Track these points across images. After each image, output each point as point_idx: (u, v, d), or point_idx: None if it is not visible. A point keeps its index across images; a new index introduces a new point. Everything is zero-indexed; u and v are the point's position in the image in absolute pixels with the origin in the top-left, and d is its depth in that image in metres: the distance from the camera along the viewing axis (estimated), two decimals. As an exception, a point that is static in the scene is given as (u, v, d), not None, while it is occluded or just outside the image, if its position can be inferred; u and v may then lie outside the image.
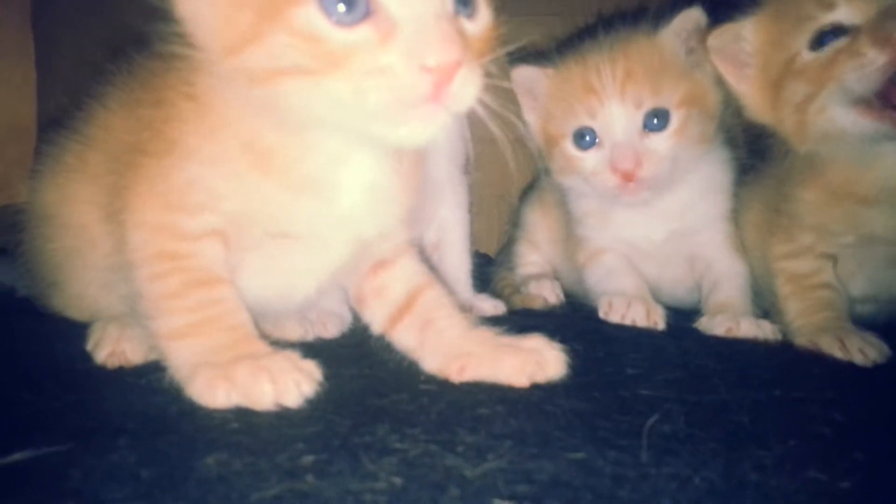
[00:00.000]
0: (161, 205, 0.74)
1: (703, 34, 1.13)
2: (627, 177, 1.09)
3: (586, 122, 1.14)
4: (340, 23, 0.62)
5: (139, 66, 0.85)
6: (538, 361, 0.77)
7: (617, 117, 1.11)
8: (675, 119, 1.11)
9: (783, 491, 0.55)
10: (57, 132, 0.94)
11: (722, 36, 1.07)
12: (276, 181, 0.74)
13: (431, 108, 0.64)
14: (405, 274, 0.88)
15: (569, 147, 1.17)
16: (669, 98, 1.10)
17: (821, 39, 0.95)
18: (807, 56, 0.96)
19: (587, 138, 1.14)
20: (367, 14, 0.62)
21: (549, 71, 1.21)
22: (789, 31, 0.99)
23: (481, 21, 0.71)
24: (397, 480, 0.54)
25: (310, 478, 0.54)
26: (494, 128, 0.70)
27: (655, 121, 1.10)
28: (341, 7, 0.61)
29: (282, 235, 0.77)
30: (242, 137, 0.72)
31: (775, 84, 1.02)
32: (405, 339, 0.85)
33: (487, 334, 0.82)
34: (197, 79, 0.73)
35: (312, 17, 0.62)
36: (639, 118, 1.10)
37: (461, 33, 0.65)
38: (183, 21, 0.69)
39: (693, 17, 1.12)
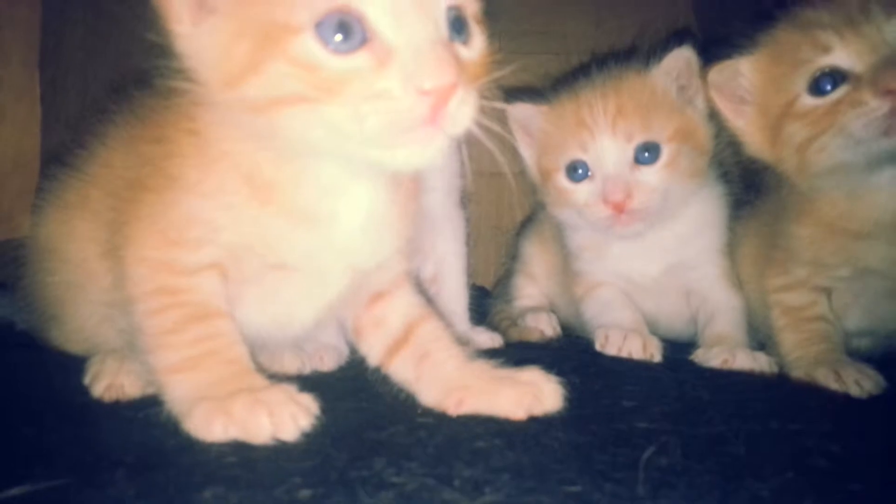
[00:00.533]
0: (161, 241, 0.74)
1: (693, 72, 1.16)
2: (618, 208, 1.11)
3: (578, 155, 1.16)
4: (337, 51, 0.63)
5: (139, 104, 0.86)
6: (535, 394, 0.77)
7: (608, 150, 1.13)
8: (666, 153, 1.13)
9: (780, 523, 0.55)
10: (59, 168, 0.96)
11: (722, 72, 1.09)
12: (274, 212, 0.74)
13: (429, 130, 0.65)
14: (402, 306, 0.88)
15: (562, 180, 1.19)
16: (660, 132, 1.12)
17: (818, 82, 0.96)
18: (807, 101, 0.98)
19: (580, 171, 1.16)
20: (364, 41, 0.63)
21: (544, 108, 1.23)
22: (787, 73, 1.00)
23: (476, 47, 0.73)
24: (394, 514, 0.54)
25: (307, 512, 0.54)
26: (492, 146, 0.71)
27: (646, 154, 1.12)
28: (338, 36, 0.63)
29: (280, 267, 0.78)
30: (242, 170, 0.73)
31: (774, 123, 1.03)
32: (402, 371, 0.85)
33: (484, 367, 0.82)
34: (197, 113, 0.74)
35: (309, 46, 0.63)
36: (630, 151, 1.12)
37: (456, 58, 0.66)
38: (183, 57, 0.70)
39: (684, 55, 1.15)
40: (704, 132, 1.17)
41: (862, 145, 0.93)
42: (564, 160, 1.17)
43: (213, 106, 0.72)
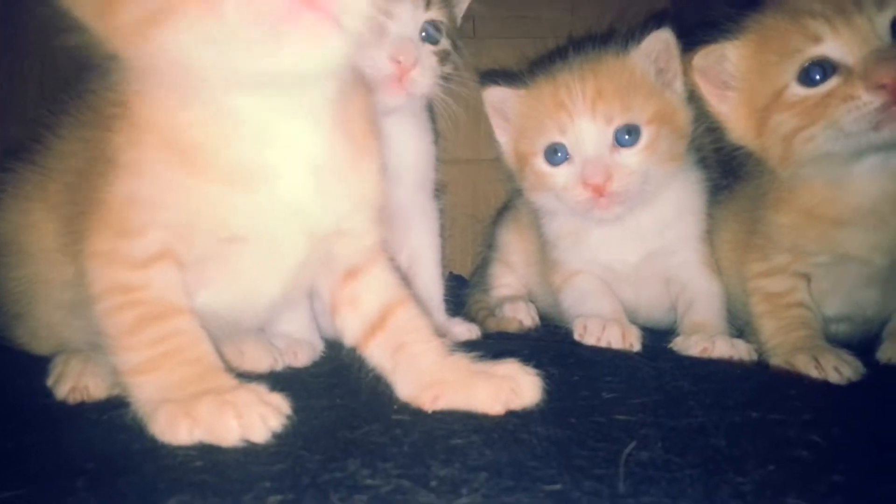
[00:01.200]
0: (109, 232, 0.72)
1: (672, 55, 1.14)
2: (598, 191, 1.09)
3: (557, 138, 1.14)
4: None
5: (87, 91, 0.83)
6: (513, 388, 0.76)
7: (587, 133, 1.11)
8: (646, 135, 1.11)
9: (763, 519, 0.54)
10: (17, 159, 0.93)
11: (707, 56, 1.08)
12: (208, 178, 0.70)
13: (308, 17, 0.60)
14: (378, 285, 0.86)
15: (540, 164, 1.17)
16: (640, 115, 1.11)
17: (808, 72, 0.95)
18: (797, 90, 0.96)
19: (558, 154, 1.14)
20: None
21: (520, 91, 1.21)
22: (776, 62, 0.99)
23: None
24: (368, 519, 0.52)
25: (277, 518, 0.52)
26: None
27: (626, 136, 1.11)
28: None
29: (231, 240, 0.74)
30: (166, 136, 0.70)
31: (761, 111, 1.02)
32: (378, 357, 0.83)
33: (461, 361, 0.80)
34: (121, 87, 0.72)
35: None
36: (609, 134, 1.11)
37: None
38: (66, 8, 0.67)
39: (663, 38, 1.14)
40: (683, 115, 1.15)
41: (851, 138, 0.92)
42: (543, 143, 1.15)
43: (125, 70, 0.70)
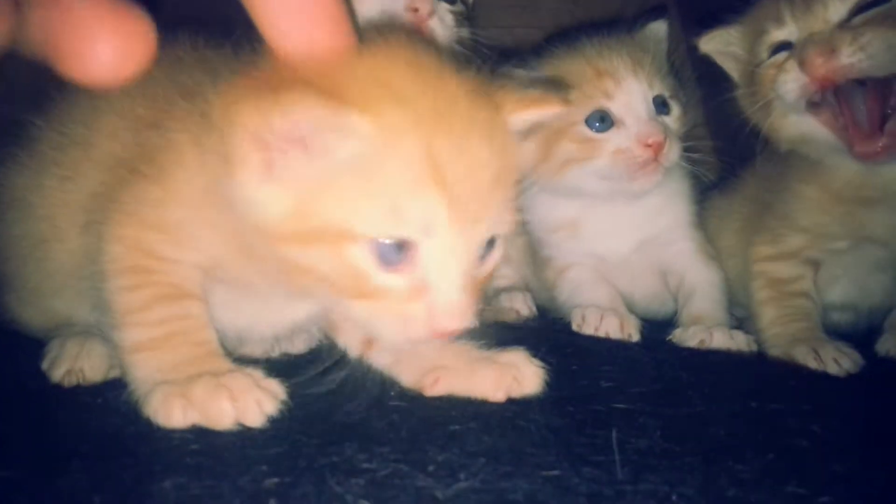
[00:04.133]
0: (144, 225, 0.72)
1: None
2: (657, 150, 1.07)
3: (602, 103, 1.10)
4: (387, 265, 0.65)
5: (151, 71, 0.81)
6: (515, 376, 0.75)
7: (636, 94, 1.10)
8: (675, 107, 1.13)
9: (762, 506, 0.53)
10: (34, 115, 0.90)
11: (711, 41, 1.11)
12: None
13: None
14: None
15: (584, 130, 1.12)
16: (667, 88, 1.13)
17: (773, 55, 1.00)
18: (764, 67, 1.01)
19: (603, 123, 1.11)
20: (403, 263, 0.65)
21: (536, 73, 1.16)
22: (756, 42, 1.03)
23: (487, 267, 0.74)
24: (365, 503, 0.51)
25: (273, 501, 0.51)
26: None
27: (662, 106, 1.12)
28: (390, 255, 0.64)
29: (247, 287, 0.76)
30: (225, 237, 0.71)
31: (750, 89, 1.05)
32: (381, 357, 0.83)
33: (464, 348, 0.80)
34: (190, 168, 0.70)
35: (364, 255, 0.64)
36: (650, 99, 1.11)
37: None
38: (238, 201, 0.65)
39: (664, 27, 1.17)
40: (682, 100, 1.17)
41: (794, 115, 0.96)
42: (584, 112, 1.11)
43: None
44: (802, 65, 0.90)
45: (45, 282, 0.89)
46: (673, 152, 1.10)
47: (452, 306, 0.66)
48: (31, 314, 0.94)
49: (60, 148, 0.86)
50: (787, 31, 0.97)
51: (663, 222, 1.20)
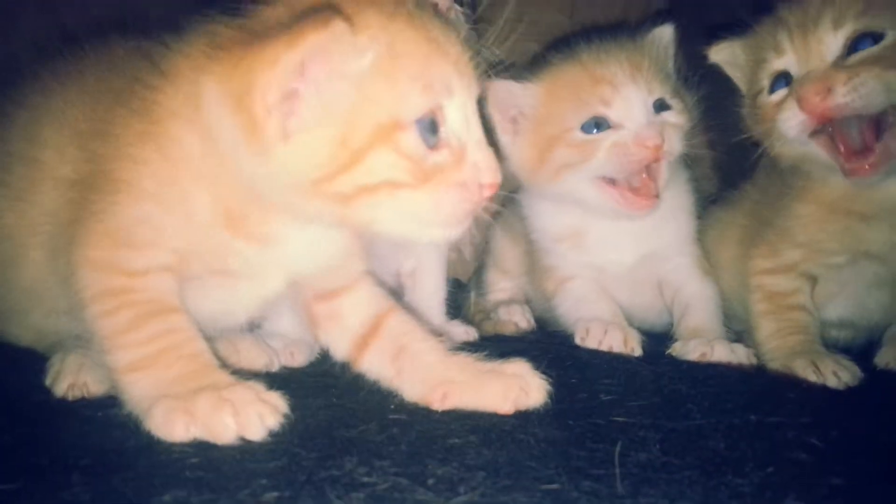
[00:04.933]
0: (107, 242, 0.72)
1: (672, 52, 1.18)
2: (656, 151, 1.07)
3: (599, 110, 1.10)
4: (430, 145, 0.72)
5: (87, 80, 0.84)
6: (522, 387, 0.76)
7: (635, 99, 1.09)
8: (675, 106, 1.13)
9: (762, 520, 0.54)
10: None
11: (721, 51, 1.13)
12: (234, 234, 0.75)
13: (472, 214, 0.76)
14: (363, 298, 0.86)
15: (577, 135, 1.11)
16: (667, 89, 1.12)
17: (774, 84, 1.02)
18: (765, 98, 1.03)
19: (597, 129, 1.10)
20: (439, 142, 0.73)
21: (533, 83, 1.16)
22: (755, 69, 1.05)
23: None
24: (365, 516, 0.51)
25: (273, 515, 0.51)
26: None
27: (662, 108, 1.12)
28: (428, 137, 0.72)
29: (222, 272, 0.78)
30: (218, 199, 0.74)
31: (753, 109, 1.07)
32: (377, 367, 0.83)
33: (468, 360, 0.80)
34: (177, 133, 0.73)
35: (413, 140, 0.70)
36: (650, 103, 1.10)
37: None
38: (269, 162, 0.69)
39: (667, 32, 1.17)
40: (687, 100, 1.17)
41: (794, 142, 0.97)
42: (580, 119, 1.11)
43: (216, 149, 0.72)
44: (800, 102, 0.93)
45: (19, 300, 0.90)
46: (675, 145, 1.10)
47: (489, 158, 0.75)
48: (18, 332, 0.95)
49: (9, 167, 0.87)
50: (785, 61, 0.99)
51: (666, 236, 1.20)
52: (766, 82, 1.02)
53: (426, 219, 0.73)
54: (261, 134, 0.67)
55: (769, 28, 1.04)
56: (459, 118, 0.74)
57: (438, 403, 0.77)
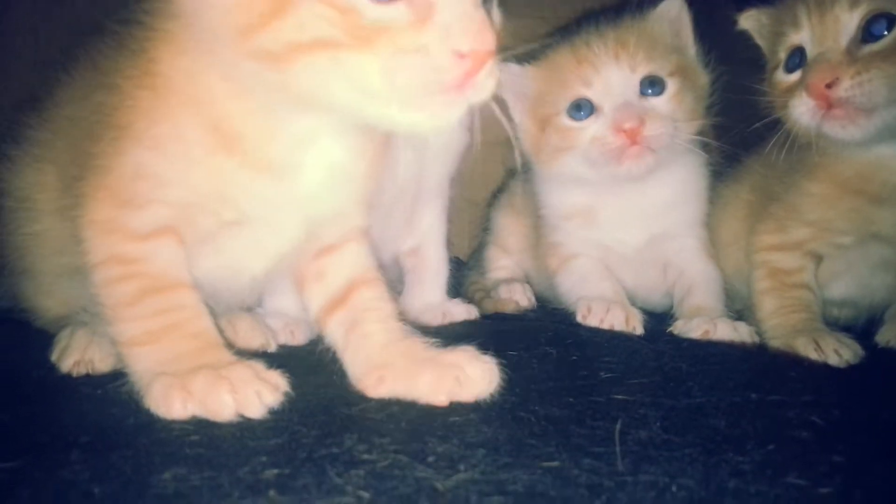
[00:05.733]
0: (109, 200, 0.71)
1: (684, 22, 1.17)
2: (632, 136, 1.06)
3: (582, 91, 1.11)
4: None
5: (98, 49, 0.81)
6: (457, 377, 0.71)
7: (614, 80, 1.09)
8: (671, 86, 1.11)
9: (763, 497, 0.53)
10: (32, 115, 0.91)
11: (749, 18, 1.12)
12: (238, 163, 0.70)
13: (455, 95, 0.63)
14: (349, 260, 0.83)
15: (564, 120, 1.13)
16: (662, 66, 1.11)
17: (789, 60, 1.02)
18: (780, 75, 1.03)
19: (582, 112, 1.11)
20: None
21: (538, 64, 1.18)
22: (775, 41, 1.05)
23: (496, 16, 0.70)
24: (365, 494, 0.51)
25: (273, 493, 0.51)
26: (502, 117, 0.70)
27: (651, 89, 1.10)
28: None
29: (234, 222, 0.74)
30: (208, 119, 0.69)
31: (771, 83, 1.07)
32: (333, 334, 0.81)
33: (414, 346, 0.76)
34: (162, 57, 0.69)
35: None
36: (635, 82, 1.10)
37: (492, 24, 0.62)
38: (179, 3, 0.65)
39: (675, 4, 1.16)
40: (702, 77, 1.16)
41: (809, 128, 0.97)
42: (565, 102, 1.12)
43: (188, 52, 0.67)
44: (807, 88, 0.93)
45: (57, 276, 0.90)
46: (657, 133, 1.07)
47: (469, 18, 0.60)
48: (45, 303, 0.95)
49: (49, 139, 0.87)
50: (801, 36, 0.99)
51: (675, 217, 1.20)
52: (782, 55, 1.02)
53: (378, 91, 0.61)
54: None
55: (790, 3, 1.03)
56: None
57: (372, 389, 0.74)
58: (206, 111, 0.69)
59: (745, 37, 1.14)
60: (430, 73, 0.61)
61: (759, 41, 1.13)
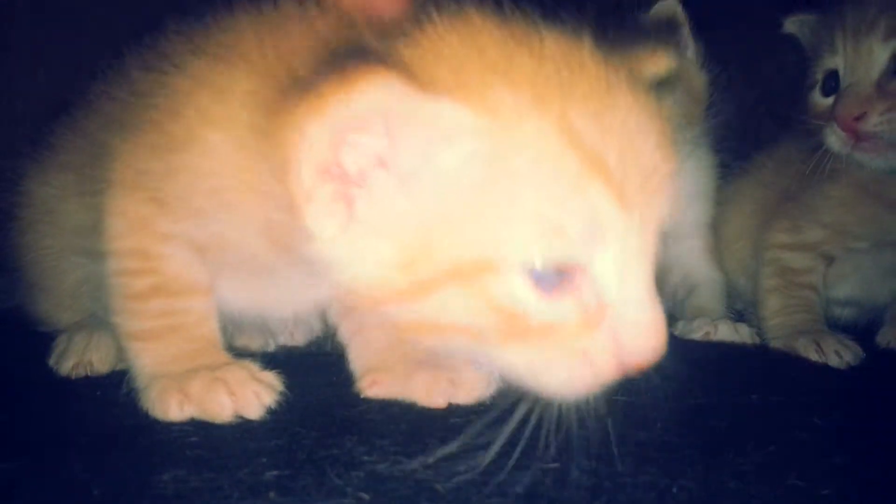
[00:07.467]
0: (151, 203, 0.67)
1: (681, 22, 1.16)
2: None
3: None
4: (546, 292, 0.51)
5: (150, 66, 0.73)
6: (452, 380, 0.70)
7: None
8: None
9: (763, 499, 0.53)
10: (57, 127, 0.90)
11: (794, 23, 1.15)
12: (286, 262, 0.65)
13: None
14: None
15: None
16: None
17: (825, 82, 1.05)
18: (817, 97, 1.06)
19: None
20: (566, 282, 0.51)
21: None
22: (814, 56, 1.08)
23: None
24: (365, 496, 0.51)
25: (273, 494, 0.51)
26: None
27: None
28: (550, 277, 0.50)
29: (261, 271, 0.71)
30: (266, 222, 0.62)
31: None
32: (344, 334, 0.81)
33: (414, 349, 0.74)
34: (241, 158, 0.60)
35: (515, 290, 0.50)
36: None
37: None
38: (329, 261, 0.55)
39: (669, 6, 1.16)
40: (698, 79, 1.16)
41: (839, 155, 1.00)
42: None
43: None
44: (837, 119, 0.96)
45: (76, 289, 0.89)
46: None
47: (647, 327, 0.53)
48: (65, 318, 0.93)
49: (79, 150, 0.84)
50: (836, 61, 1.02)
51: (682, 217, 1.19)
52: (819, 76, 1.05)
53: (516, 370, 0.55)
54: (302, 212, 0.51)
55: (832, 20, 1.04)
56: (612, 272, 0.51)
57: (367, 389, 0.74)
58: (263, 215, 0.62)
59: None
60: (580, 371, 0.54)
61: (804, 44, 1.14)
